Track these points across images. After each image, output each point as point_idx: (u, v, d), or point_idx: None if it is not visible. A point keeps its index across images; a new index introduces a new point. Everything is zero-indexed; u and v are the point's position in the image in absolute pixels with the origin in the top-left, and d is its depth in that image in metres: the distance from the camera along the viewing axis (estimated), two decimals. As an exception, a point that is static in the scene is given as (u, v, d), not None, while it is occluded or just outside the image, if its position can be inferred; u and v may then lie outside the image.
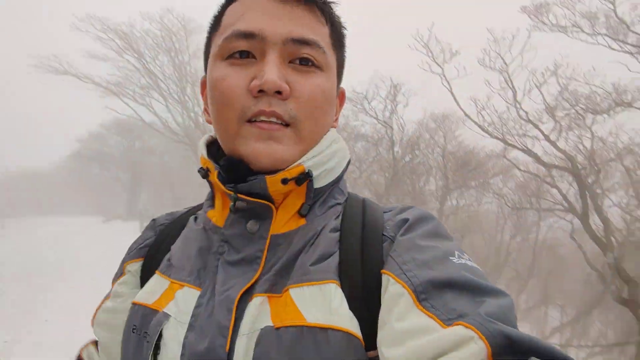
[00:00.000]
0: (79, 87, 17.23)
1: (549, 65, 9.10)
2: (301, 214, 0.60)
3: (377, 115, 11.66)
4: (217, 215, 0.64)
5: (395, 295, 0.50)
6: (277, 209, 0.60)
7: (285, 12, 0.58)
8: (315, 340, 0.50)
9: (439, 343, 0.43)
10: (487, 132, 9.95)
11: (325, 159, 0.61)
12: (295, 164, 0.58)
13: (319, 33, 0.60)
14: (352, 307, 0.53)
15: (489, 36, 9.49)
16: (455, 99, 9.88)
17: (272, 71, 0.55)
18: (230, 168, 0.59)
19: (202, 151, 0.64)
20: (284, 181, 0.57)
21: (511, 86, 9.44)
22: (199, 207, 0.76)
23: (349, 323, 0.51)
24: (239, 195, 0.58)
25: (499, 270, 15.99)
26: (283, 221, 0.60)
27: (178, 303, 0.58)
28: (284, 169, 0.57)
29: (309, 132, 0.59)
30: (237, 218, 0.60)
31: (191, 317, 0.56)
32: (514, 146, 9.81)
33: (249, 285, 0.56)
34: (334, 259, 0.56)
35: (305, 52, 0.58)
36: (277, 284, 0.56)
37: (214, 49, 0.62)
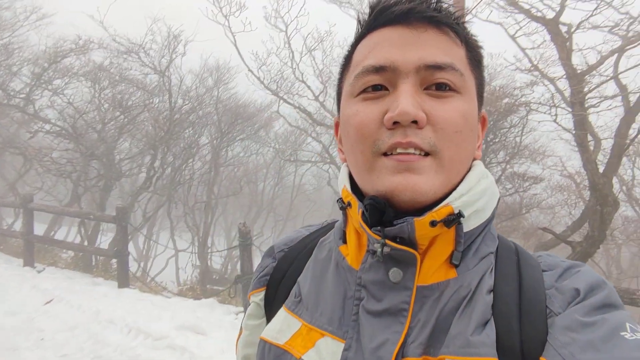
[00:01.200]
0: None
1: (321, 32, 10.25)
2: (453, 263, 0.54)
3: (155, 66, 10.64)
4: (352, 255, 0.60)
5: None
6: (422, 256, 0.55)
7: (415, 38, 0.55)
8: None
9: None
10: (267, 88, 10.53)
11: (474, 198, 0.55)
12: (443, 204, 0.53)
13: (454, 55, 0.57)
14: None
15: (271, -5, 9.84)
16: (239, 52, 9.95)
17: (406, 100, 0.52)
18: (373, 208, 0.54)
19: (345, 182, 0.61)
20: (433, 223, 0.52)
21: (290, 49, 10.19)
22: (321, 231, 0.74)
23: None
24: (387, 241, 0.53)
25: (260, 215, 17.71)
26: (431, 271, 0.55)
27: (321, 354, 0.56)
28: (429, 209, 0.53)
29: (450, 160, 0.54)
30: (375, 262, 0.56)
31: None
32: (289, 103, 10.75)
33: (400, 343, 0.52)
34: (491, 330, 0.50)
35: (441, 76, 0.55)
36: (431, 347, 0.51)
37: (346, 88, 0.61)
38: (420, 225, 0.52)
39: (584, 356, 0.43)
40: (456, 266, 0.55)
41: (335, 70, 9.52)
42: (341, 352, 0.54)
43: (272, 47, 10.12)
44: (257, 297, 0.71)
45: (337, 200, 0.62)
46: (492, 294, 0.54)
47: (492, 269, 0.56)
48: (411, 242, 0.54)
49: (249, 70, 10.22)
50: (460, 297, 0.53)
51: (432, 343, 0.51)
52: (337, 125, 0.69)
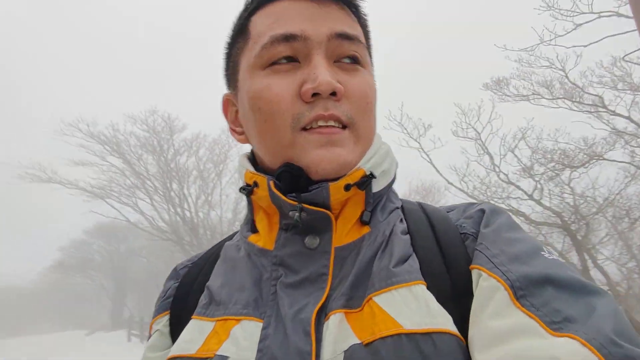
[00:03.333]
0: (62, 193, 17.21)
1: (518, 130, 9.69)
2: (364, 221, 0.56)
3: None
4: (264, 238, 0.58)
5: (488, 289, 0.46)
6: (335, 219, 0.56)
7: (322, 12, 0.56)
8: (418, 348, 0.44)
9: (547, 352, 0.38)
10: (473, 197, 10.18)
11: (380, 160, 0.58)
12: (355, 168, 0.54)
13: (357, 30, 0.59)
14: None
15: (457, 109, 10.15)
16: (437, 169, 10.23)
17: (325, 72, 0.53)
18: (287, 176, 0.54)
19: (247, 166, 0.60)
20: (347, 187, 0.53)
21: (487, 152, 9.89)
22: (228, 238, 0.70)
23: (452, 325, 0.46)
24: (304, 205, 0.53)
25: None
26: (344, 232, 0.56)
27: (237, 341, 0.51)
28: (345, 175, 0.54)
29: (364, 132, 0.56)
30: (290, 236, 0.56)
31: (257, 352, 0.48)
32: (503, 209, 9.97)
33: (321, 302, 0.50)
34: (414, 261, 0.52)
35: (352, 49, 0.56)
36: (354, 298, 0.50)
37: (247, 61, 0.58)
38: (335, 190, 0.53)
39: (512, 266, 0.46)
40: (367, 223, 0.56)
41: (540, 161, 8.62)
42: (260, 331, 0.50)
43: (469, 156, 9.98)
44: (160, 324, 0.64)
45: (240, 189, 0.60)
46: (407, 235, 0.56)
47: (401, 219, 0.59)
48: (325, 207, 0.54)
49: (449, 183, 10.25)
50: (377, 243, 0.54)
51: (355, 293, 0.51)
52: (226, 102, 0.66)
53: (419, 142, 10.34)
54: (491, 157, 9.87)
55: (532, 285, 0.44)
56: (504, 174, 9.69)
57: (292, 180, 0.54)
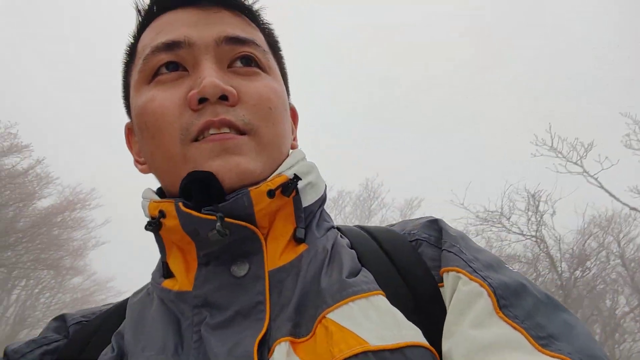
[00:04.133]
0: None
1: None
2: (298, 239, 0.49)
3: (521, 231, 10.50)
4: (181, 280, 0.49)
5: (470, 294, 0.43)
6: (265, 239, 0.48)
7: (210, 17, 0.52)
8: None
9: None
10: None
11: (305, 170, 0.52)
12: (275, 174, 0.49)
13: (254, 34, 0.54)
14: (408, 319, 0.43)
15: (627, 120, 8.49)
16: (611, 194, 8.54)
17: (211, 74, 0.48)
18: (196, 185, 0.46)
19: (151, 196, 0.52)
20: (270, 193, 0.46)
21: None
22: (132, 296, 0.57)
23: (422, 337, 0.41)
24: (226, 219, 0.45)
25: None
26: (277, 253, 0.48)
27: None
28: (258, 184, 0.47)
29: (270, 140, 0.50)
30: (212, 269, 0.47)
31: None
32: None
33: (262, 333, 0.42)
34: (367, 273, 0.47)
35: (245, 50, 0.52)
36: (302, 323, 0.43)
37: (134, 78, 0.54)
38: (257, 196, 0.46)
39: (489, 273, 0.45)
40: (303, 241, 0.50)
41: None
42: None
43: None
44: None
45: (146, 226, 0.49)
46: (352, 249, 0.51)
47: (341, 235, 0.55)
48: (250, 221, 0.47)
49: (632, 209, 8.39)
50: (320, 259, 0.48)
51: (301, 316, 0.44)
52: (128, 132, 0.60)
53: (581, 165, 8.89)
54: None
55: (512, 295, 0.42)
56: None
57: (203, 190, 0.46)
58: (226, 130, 0.48)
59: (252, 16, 0.56)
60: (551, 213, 10.27)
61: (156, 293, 0.51)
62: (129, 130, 0.60)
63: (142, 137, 0.52)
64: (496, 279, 0.43)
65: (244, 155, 0.47)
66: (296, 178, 0.49)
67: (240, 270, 0.46)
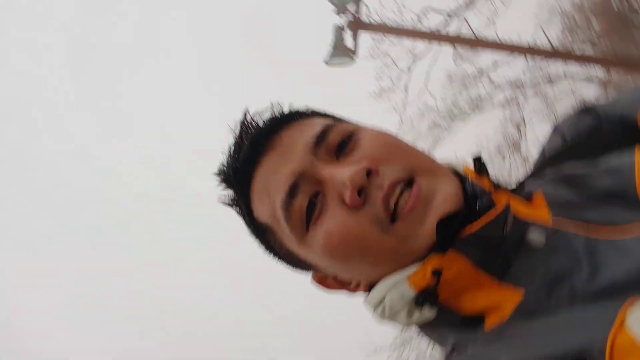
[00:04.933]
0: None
1: None
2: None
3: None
4: (500, 310, 0.45)
5: None
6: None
7: (282, 147, 0.52)
8: None
9: None
10: None
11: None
12: (455, 165, 0.54)
13: (318, 124, 0.54)
14: None
15: None
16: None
17: (338, 170, 0.48)
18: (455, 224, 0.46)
19: (406, 272, 0.47)
20: (495, 186, 0.52)
21: None
22: None
23: None
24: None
25: None
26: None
27: None
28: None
29: (426, 165, 0.51)
30: (533, 263, 0.46)
31: None
32: None
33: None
34: None
35: (334, 138, 0.52)
36: None
37: (291, 241, 0.53)
38: (499, 197, 0.48)
39: None
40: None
41: None
42: None
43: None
44: None
45: (416, 301, 0.47)
46: None
47: None
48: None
49: None
50: None
51: None
52: (320, 280, 0.58)
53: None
54: None
55: None
56: None
57: (449, 227, 0.45)
58: (400, 189, 0.47)
59: (300, 115, 0.57)
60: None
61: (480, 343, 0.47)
62: (320, 279, 0.58)
63: (345, 263, 0.51)
64: None
65: (434, 191, 0.48)
66: (479, 157, 0.55)
67: (538, 239, 0.47)
